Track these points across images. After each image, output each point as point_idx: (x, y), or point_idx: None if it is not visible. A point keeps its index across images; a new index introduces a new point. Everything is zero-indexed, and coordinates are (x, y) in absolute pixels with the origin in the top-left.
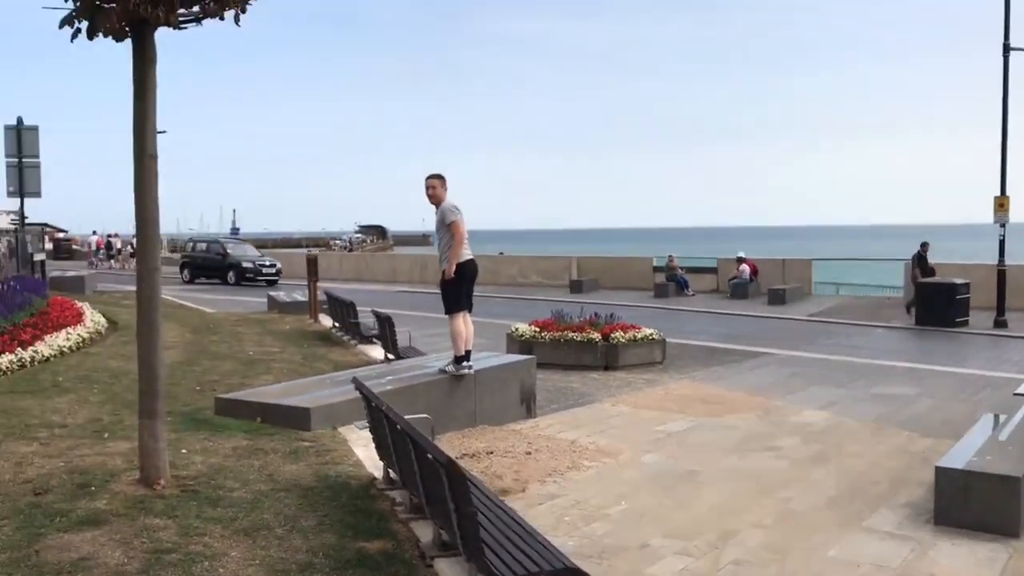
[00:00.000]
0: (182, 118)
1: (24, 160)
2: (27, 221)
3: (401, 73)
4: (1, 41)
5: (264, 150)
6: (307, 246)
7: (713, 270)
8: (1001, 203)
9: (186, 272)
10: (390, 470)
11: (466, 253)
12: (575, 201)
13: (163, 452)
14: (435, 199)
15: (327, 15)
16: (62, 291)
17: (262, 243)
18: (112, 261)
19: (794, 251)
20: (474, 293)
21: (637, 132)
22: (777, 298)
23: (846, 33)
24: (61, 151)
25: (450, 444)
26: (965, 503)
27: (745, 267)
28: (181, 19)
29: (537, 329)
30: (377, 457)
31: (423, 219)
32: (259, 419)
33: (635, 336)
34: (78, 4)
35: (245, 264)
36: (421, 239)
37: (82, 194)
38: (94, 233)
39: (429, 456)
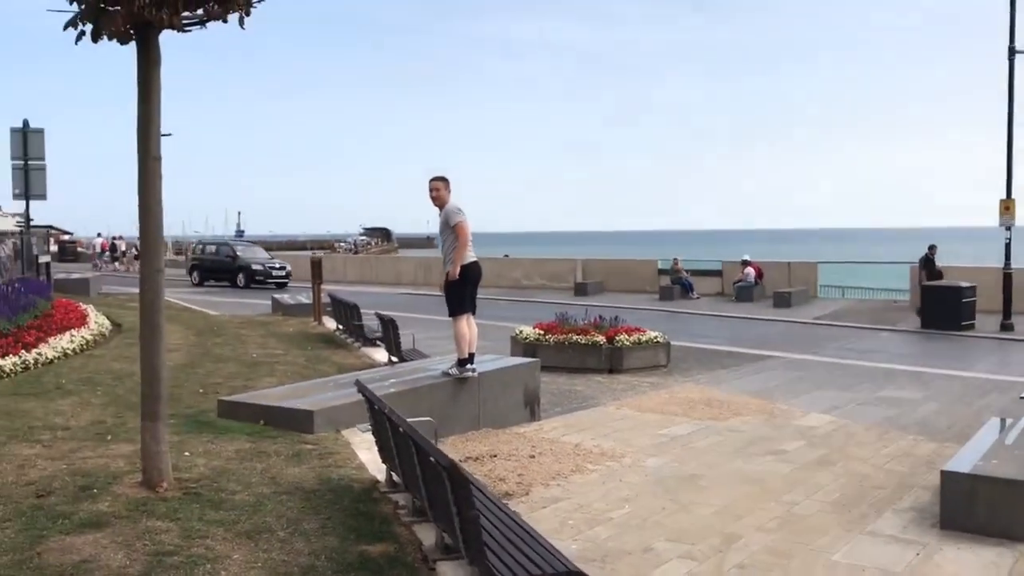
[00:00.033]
0: (187, 120)
1: (29, 162)
2: (32, 223)
3: (408, 75)
4: (8, 43)
5: (270, 153)
6: (312, 248)
7: (718, 273)
8: (1007, 206)
9: (195, 275)
10: (393, 473)
11: (470, 255)
12: (580, 204)
13: (165, 455)
14: (439, 201)
15: (332, 16)
16: (67, 293)
17: (267, 246)
18: (116, 263)
19: (799, 254)
20: (478, 296)
21: (642, 135)
22: (782, 301)
23: (850, 34)
24: (67, 153)
25: (453, 447)
26: (971, 507)
27: (750, 270)
28: (185, 22)
29: (541, 332)
30: (380, 460)
31: (427, 221)
32: (262, 422)
33: (639, 339)
34: (82, 7)
35: (255, 266)
36: (426, 241)
37: (88, 196)
38: (99, 235)
39: (431, 459)
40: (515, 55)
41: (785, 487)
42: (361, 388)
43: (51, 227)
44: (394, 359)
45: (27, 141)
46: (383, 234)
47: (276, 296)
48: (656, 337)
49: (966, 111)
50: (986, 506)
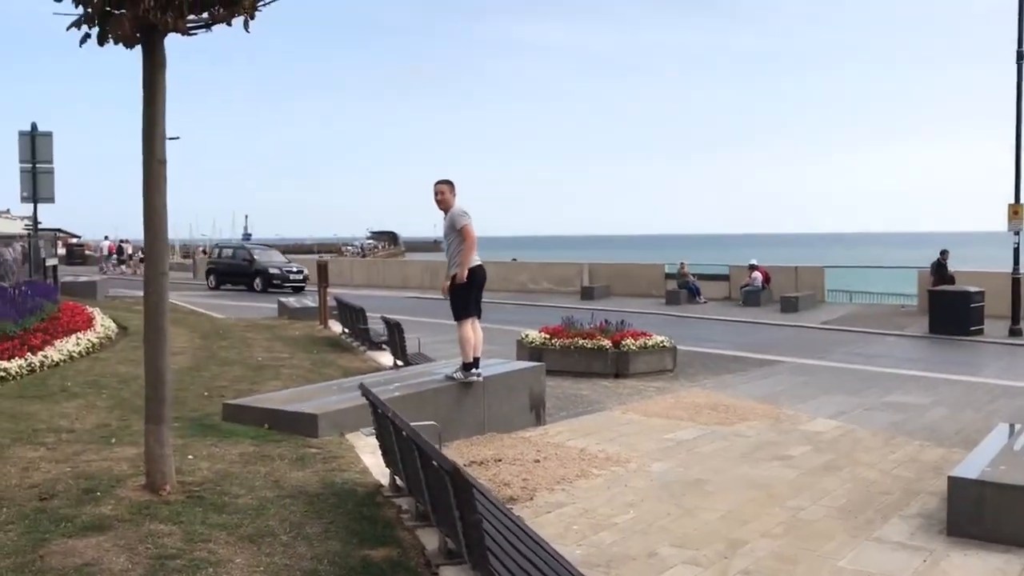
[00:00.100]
0: (193, 124)
1: (38, 166)
2: (40, 226)
3: (414, 77)
4: (18, 46)
5: (274, 155)
6: (319, 252)
7: (725, 277)
8: (1016, 210)
9: (212, 278)
10: (396, 477)
11: (475, 259)
12: (587, 207)
13: (169, 458)
14: (444, 205)
15: (334, 19)
16: (74, 296)
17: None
18: (123, 266)
19: (807, 258)
20: (485, 299)
21: (650, 138)
22: (789, 306)
23: (854, 37)
24: (76, 156)
25: (458, 451)
26: (978, 514)
27: (757, 274)
28: (190, 25)
29: (547, 336)
30: (384, 464)
31: (434, 225)
32: (266, 425)
33: (646, 343)
34: (88, 10)
35: (272, 270)
36: (432, 245)
37: (96, 199)
38: (106, 238)
39: (434, 463)
40: (526, 58)
41: (791, 492)
42: (365, 392)
43: (59, 230)
44: (399, 363)
45: (35, 144)
46: (390, 238)
47: (282, 299)
48: (662, 341)
49: (980, 115)
50: (994, 512)
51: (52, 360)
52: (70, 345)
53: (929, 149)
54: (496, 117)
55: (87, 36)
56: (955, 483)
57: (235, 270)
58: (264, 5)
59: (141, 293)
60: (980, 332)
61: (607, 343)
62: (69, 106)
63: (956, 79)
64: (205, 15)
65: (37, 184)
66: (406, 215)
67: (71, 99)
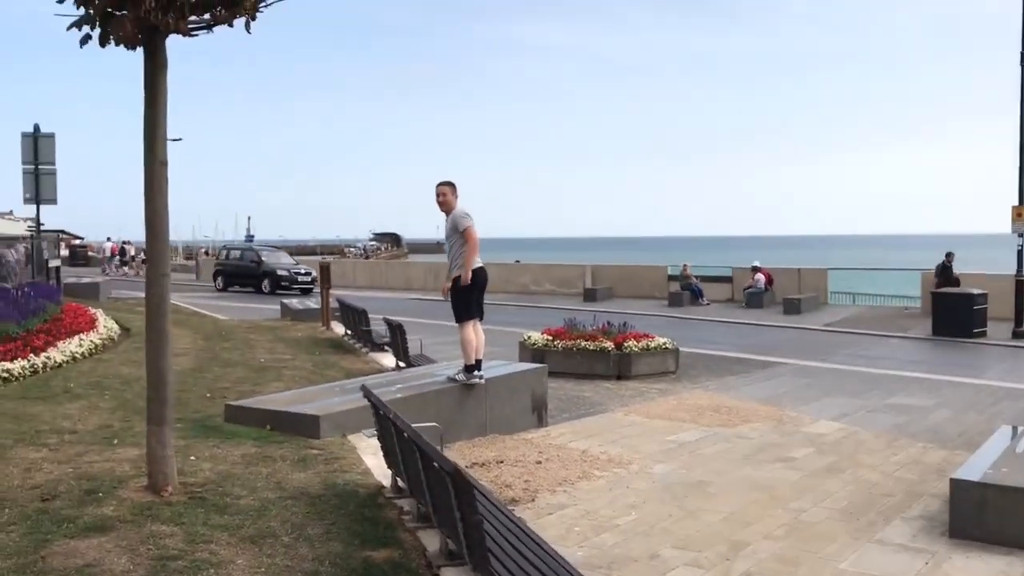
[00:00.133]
0: (194, 125)
1: (40, 167)
2: (43, 228)
3: (417, 78)
4: (21, 46)
5: (275, 156)
6: (322, 253)
7: (728, 279)
8: (1019, 212)
9: (219, 280)
10: (398, 479)
11: (476, 260)
12: (589, 209)
13: (171, 459)
14: (446, 206)
15: (334, 19)
16: (77, 297)
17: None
18: (126, 267)
19: (810, 260)
20: (487, 301)
21: (652, 141)
22: (792, 308)
23: (858, 40)
24: (79, 157)
25: (460, 453)
26: (981, 516)
27: (760, 276)
28: (192, 26)
29: (549, 338)
30: (385, 465)
31: (437, 226)
32: (268, 426)
33: (648, 345)
34: (89, 11)
35: (280, 272)
36: (435, 247)
37: (100, 200)
38: (108, 240)
39: (435, 464)
40: (529, 59)
41: (793, 494)
42: (367, 393)
43: (62, 231)
44: (401, 364)
45: (38, 146)
46: (393, 239)
47: (285, 301)
48: (665, 343)
49: (983, 117)
50: (996, 515)
51: (55, 361)
52: (73, 346)
53: (931, 150)
54: (496, 117)
55: (88, 37)
56: (957, 485)
57: (243, 271)
58: (266, 6)
59: (143, 294)
60: (983, 334)
61: (609, 345)
62: (70, 107)
63: (958, 79)
64: (207, 16)
65: (40, 185)
66: (407, 216)
67: (72, 100)
